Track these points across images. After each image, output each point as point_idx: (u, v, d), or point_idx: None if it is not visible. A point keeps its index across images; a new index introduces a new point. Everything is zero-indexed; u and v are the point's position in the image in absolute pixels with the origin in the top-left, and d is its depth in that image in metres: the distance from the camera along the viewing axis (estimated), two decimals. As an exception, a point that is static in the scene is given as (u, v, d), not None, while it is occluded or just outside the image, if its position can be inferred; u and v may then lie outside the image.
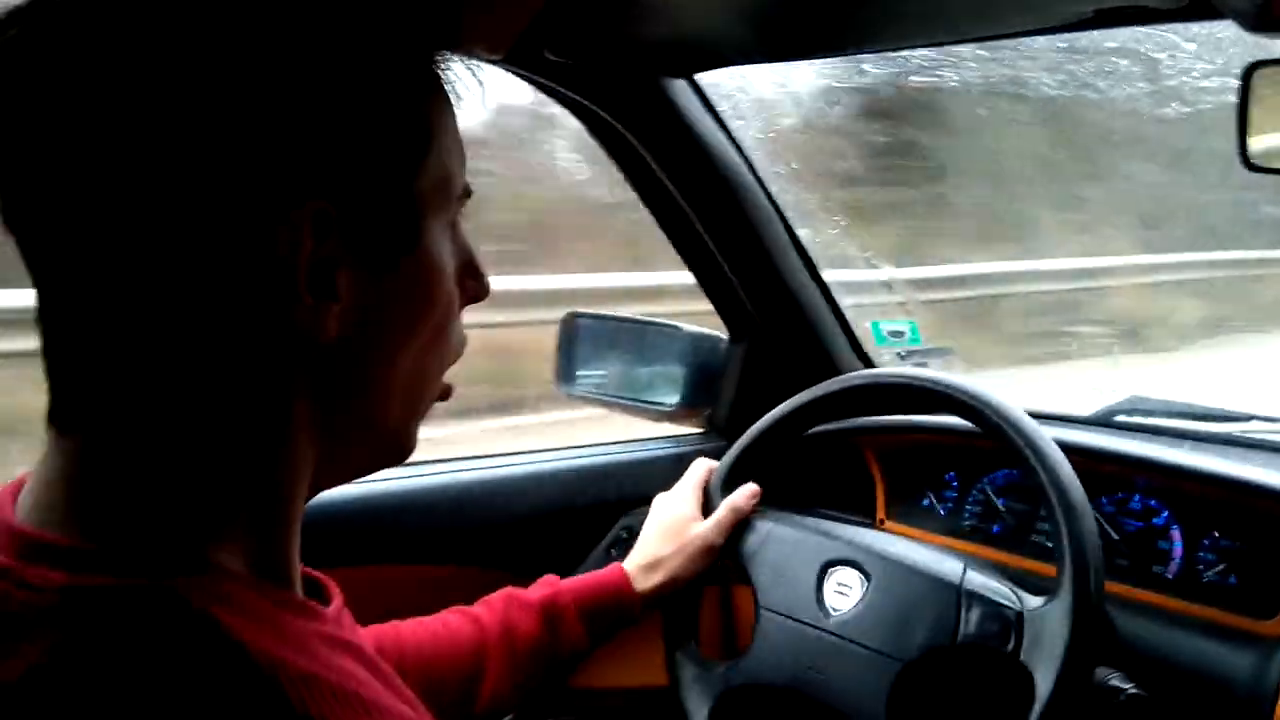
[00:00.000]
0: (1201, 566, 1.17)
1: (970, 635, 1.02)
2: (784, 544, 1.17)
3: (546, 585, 1.11)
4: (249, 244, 0.52)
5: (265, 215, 0.52)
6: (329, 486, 0.61)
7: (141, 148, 0.50)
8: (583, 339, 1.68)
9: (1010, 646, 1.00)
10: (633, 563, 1.16)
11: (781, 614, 1.12)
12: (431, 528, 1.36)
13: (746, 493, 1.22)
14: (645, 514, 1.36)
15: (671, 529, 1.18)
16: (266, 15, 0.53)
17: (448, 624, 1.03)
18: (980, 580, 1.06)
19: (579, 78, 1.31)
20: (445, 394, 0.66)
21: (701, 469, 1.26)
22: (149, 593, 0.49)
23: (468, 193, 0.64)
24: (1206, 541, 1.17)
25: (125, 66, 0.50)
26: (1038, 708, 0.95)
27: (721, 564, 1.18)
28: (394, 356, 0.60)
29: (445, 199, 0.61)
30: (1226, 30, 0.98)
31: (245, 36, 0.52)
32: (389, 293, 0.58)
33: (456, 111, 0.62)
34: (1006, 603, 1.02)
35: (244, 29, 0.52)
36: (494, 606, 1.07)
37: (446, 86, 0.61)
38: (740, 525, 1.19)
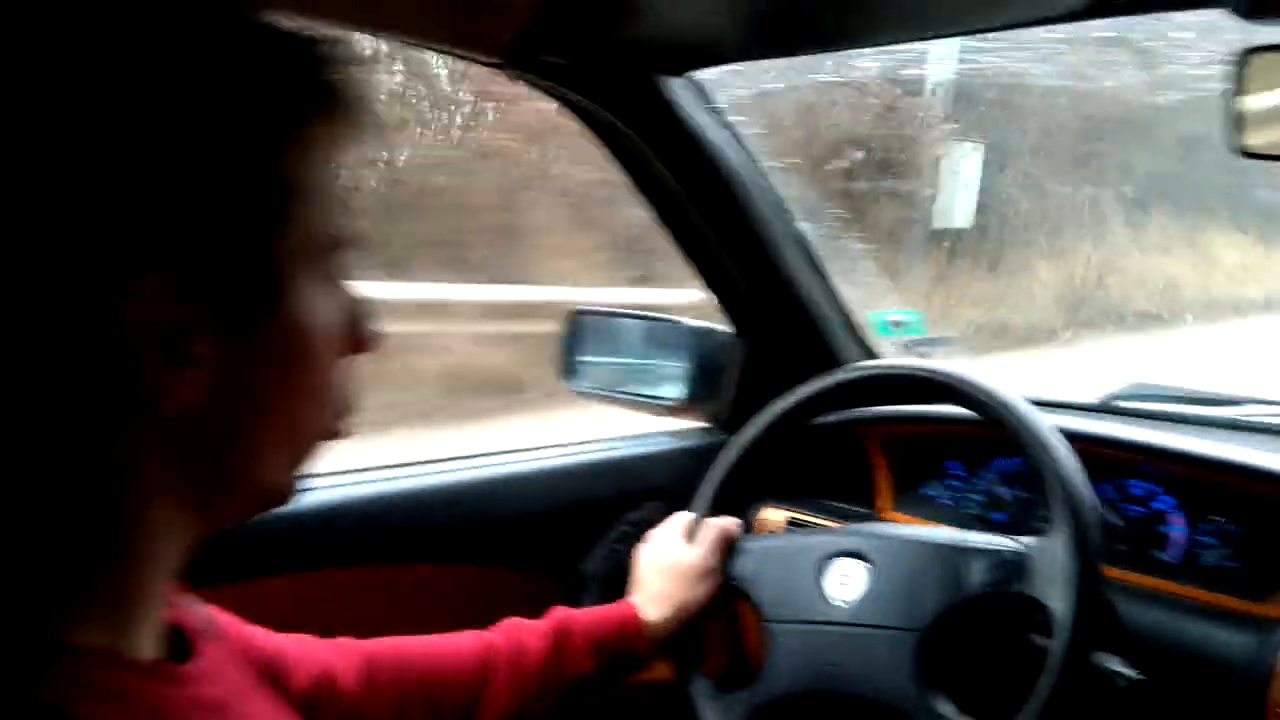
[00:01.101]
0: (1202, 550, 1.18)
1: (978, 586, 1.03)
2: (777, 554, 1.17)
3: (556, 614, 1.09)
4: (89, 315, 0.50)
5: (104, 285, 0.49)
6: (203, 537, 0.59)
7: None
8: (585, 334, 1.68)
9: (1018, 587, 1.01)
10: (637, 598, 1.14)
11: (788, 621, 1.11)
12: (436, 527, 1.37)
13: (730, 521, 1.21)
14: (651, 509, 1.37)
15: (665, 564, 1.17)
16: (95, 81, 0.49)
17: (453, 639, 1.02)
18: (975, 536, 1.07)
19: (577, 78, 1.31)
20: (333, 435, 0.63)
21: (682, 516, 1.24)
22: None
23: (347, 241, 0.60)
24: (1207, 526, 1.18)
25: None
26: (1063, 635, 0.96)
27: (722, 589, 1.16)
28: (265, 417, 0.58)
29: (314, 254, 0.58)
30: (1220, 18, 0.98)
31: (75, 101, 0.49)
32: (253, 355, 0.55)
33: (334, 157, 0.58)
34: (1005, 547, 1.04)
35: (73, 93, 0.49)
36: (502, 628, 1.06)
37: (320, 131, 0.57)
38: (732, 551, 1.18)
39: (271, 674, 0.82)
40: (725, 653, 1.32)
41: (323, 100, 0.57)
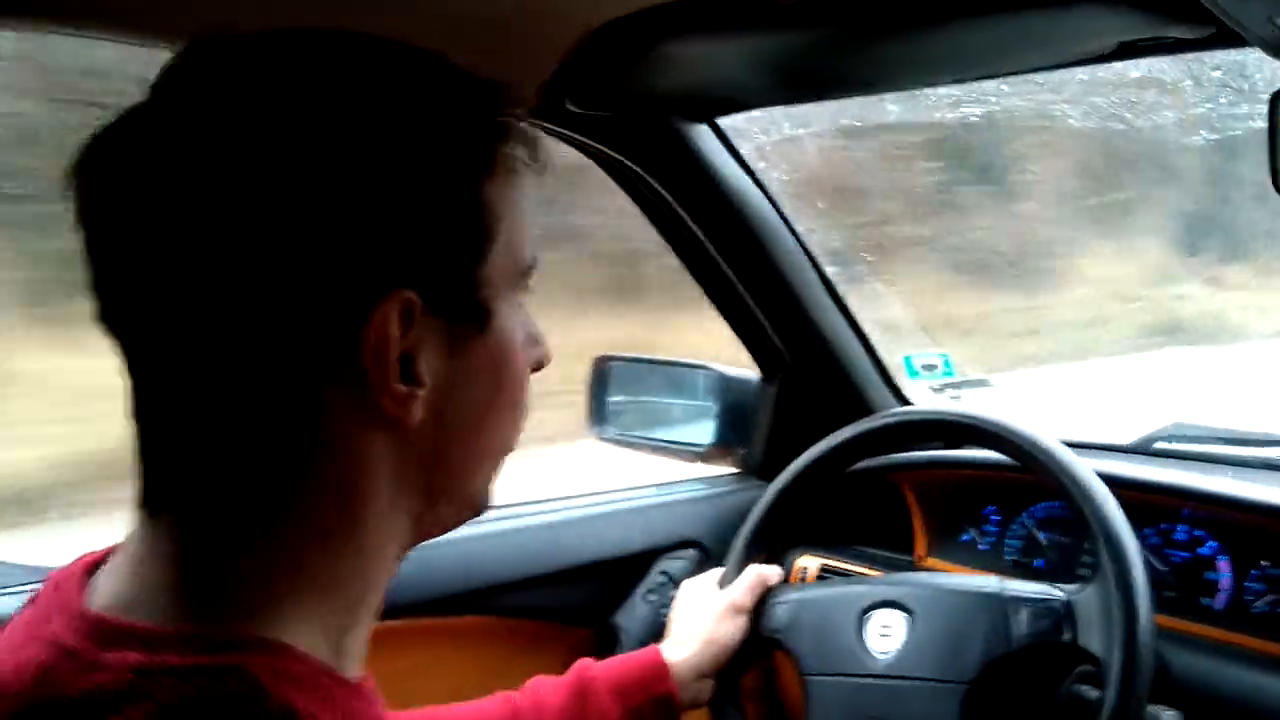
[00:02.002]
0: (1250, 596, 1.15)
1: (1024, 636, 1.01)
2: (816, 605, 1.14)
3: (578, 665, 1.09)
4: (342, 336, 0.55)
5: (356, 308, 0.55)
6: (413, 546, 0.64)
7: (237, 249, 0.53)
8: (613, 382, 1.68)
9: (1067, 636, 0.99)
10: (665, 642, 1.13)
11: (829, 674, 1.09)
12: (468, 579, 1.35)
13: (768, 567, 1.19)
14: (683, 558, 1.35)
15: (697, 602, 1.16)
16: (349, 120, 0.55)
17: (480, 706, 1.03)
18: (1019, 585, 1.06)
19: (601, 127, 1.32)
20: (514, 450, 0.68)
21: (718, 570, 1.23)
22: (222, 673, 0.51)
23: (534, 266, 0.65)
24: (1255, 571, 1.15)
25: (224, 173, 0.53)
26: (1114, 686, 0.94)
27: (756, 639, 1.14)
28: (475, 432, 0.63)
29: (514, 277, 0.63)
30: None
31: (333, 142, 0.54)
32: (466, 373, 0.60)
33: (520, 187, 0.63)
34: (1051, 596, 1.02)
35: (332, 136, 0.54)
36: (525, 689, 1.06)
37: (510, 165, 0.62)
38: (769, 602, 1.16)
39: None
40: (764, 706, 1.30)
41: (508, 135, 0.62)
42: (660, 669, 1.08)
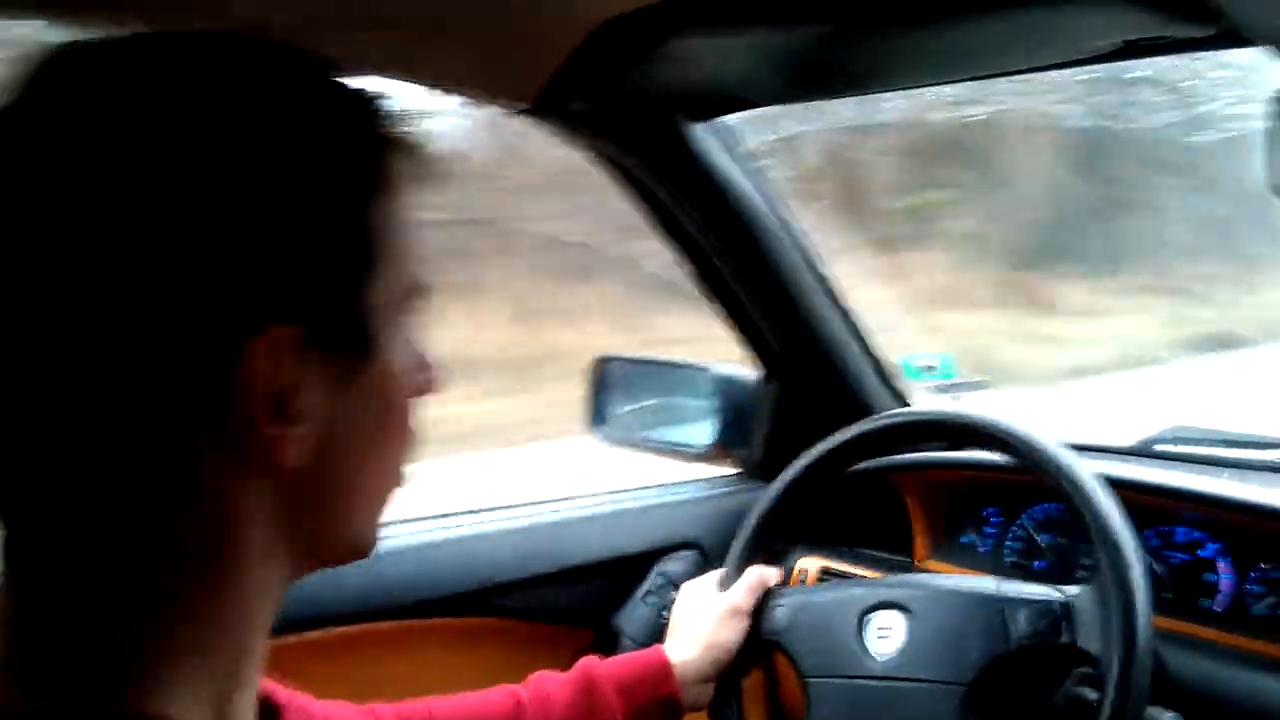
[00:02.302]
0: (1250, 599, 1.15)
1: (1023, 637, 1.00)
2: (814, 607, 1.14)
3: (583, 663, 1.08)
4: (211, 376, 0.50)
5: (227, 345, 0.50)
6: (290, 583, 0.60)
7: (92, 279, 0.48)
8: (613, 383, 1.68)
9: (1066, 637, 0.99)
10: (666, 644, 1.13)
11: (829, 676, 1.09)
12: (467, 579, 1.35)
13: (768, 569, 1.19)
14: (683, 559, 1.34)
15: (697, 606, 1.16)
16: (217, 135, 0.51)
17: (483, 698, 1.02)
18: (1016, 585, 1.06)
19: (603, 124, 1.31)
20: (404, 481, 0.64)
21: (718, 572, 1.23)
22: None
23: (424, 291, 0.61)
24: (1255, 573, 1.15)
25: (76, 191, 0.49)
26: (1113, 688, 0.93)
27: (756, 641, 1.14)
28: (360, 470, 0.59)
29: (403, 300, 0.59)
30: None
31: (199, 160, 0.50)
32: (350, 407, 0.56)
33: (410, 206, 0.59)
34: (1049, 597, 1.02)
35: (198, 153, 0.50)
36: (529, 683, 1.05)
37: (396, 180, 0.58)
38: (769, 604, 1.16)
39: None
40: (763, 709, 1.30)
41: (397, 153, 0.58)
42: (665, 669, 1.08)
